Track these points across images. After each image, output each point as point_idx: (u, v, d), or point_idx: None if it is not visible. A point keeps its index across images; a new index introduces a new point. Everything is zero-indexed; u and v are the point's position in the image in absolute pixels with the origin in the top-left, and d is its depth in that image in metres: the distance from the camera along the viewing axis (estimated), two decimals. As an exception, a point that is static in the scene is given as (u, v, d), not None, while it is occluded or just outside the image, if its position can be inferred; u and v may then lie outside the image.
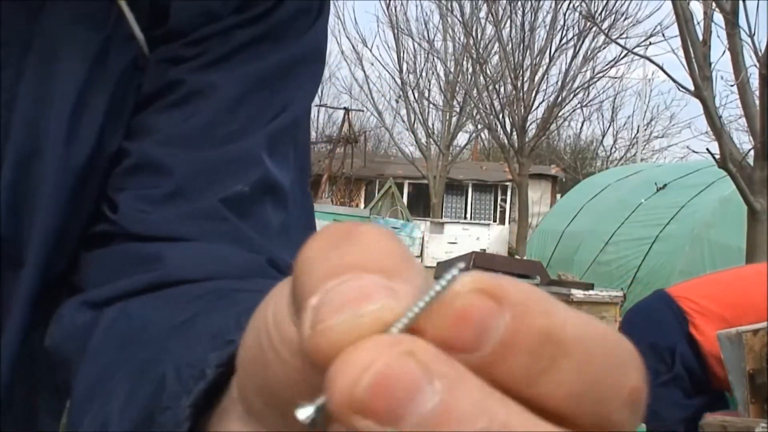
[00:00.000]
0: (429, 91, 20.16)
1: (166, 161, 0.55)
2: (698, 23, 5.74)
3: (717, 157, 5.45)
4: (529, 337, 0.20)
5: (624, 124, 34.86)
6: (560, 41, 16.62)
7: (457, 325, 0.20)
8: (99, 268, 0.55)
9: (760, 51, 5.50)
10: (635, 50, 9.93)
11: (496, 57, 17.40)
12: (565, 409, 0.21)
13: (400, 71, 19.85)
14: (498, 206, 22.23)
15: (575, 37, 16.56)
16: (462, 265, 0.22)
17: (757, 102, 5.56)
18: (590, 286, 5.80)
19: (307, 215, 0.62)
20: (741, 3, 5.59)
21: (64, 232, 0.56)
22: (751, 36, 5.65)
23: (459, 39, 18.29)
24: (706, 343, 2.81)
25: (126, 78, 0.56)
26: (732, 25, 5.57)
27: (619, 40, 12.93)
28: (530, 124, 16.41)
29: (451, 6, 17.72)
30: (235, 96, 0.57)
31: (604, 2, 15.51)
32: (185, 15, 0.57)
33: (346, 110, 20.93)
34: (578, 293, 5.36)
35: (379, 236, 0.22)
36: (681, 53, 5.67)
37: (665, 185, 10.89)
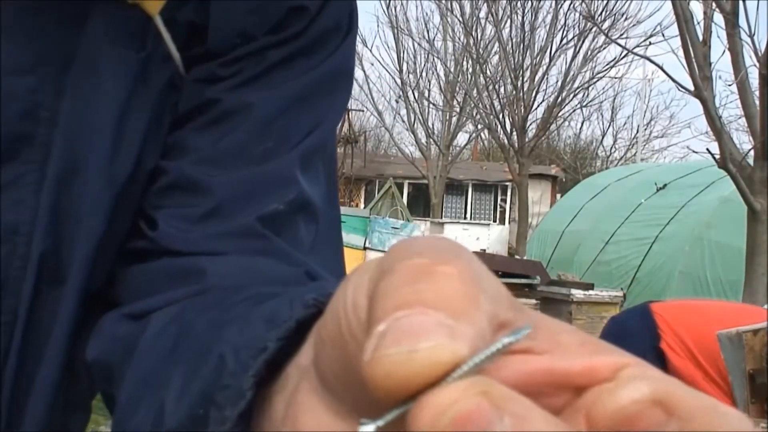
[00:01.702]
0: (429, 91, 20.18)
1: (204, 181, 0.56)
2: (698, 23, 5.75)
3: (717, 157, 5.45)
4: None
5: (624, 124, 34.92)
6: (560, 41, 16.62)
7: (622, 425, 0.22)
8: (138, 282, 0.56)
9: (760, 51, 5.50)
10: (635, 50, 9.92)
11: (496, 57, 17.40)
12: None
13: (400, 71, 19.84)
14: (498, 206, 22.23)
15: (575, 38, 16.56)
16: (529, 329, 0.24)
17: (757, 102, 5.56)
18: (590, 286, 5.81)
19: (334, 229, 0.63)
20: (741, 3, 5.59)
21: (104, 248, 0.56)
22: (751, 36, 5.65)
23: (459, 39, 18.30)
24: (675, 360, 2.98)
25: (163, 97, 0.58)
26: (732, 25, 5.57)
27: (619, 41, 12.93)
28: (530, 124, 16.40)
29: (451, 6, 17.73)
30: (270, 114, 0.58)
31: (605, 2, 15.52)
32: (222, 36, 0.58)
33: (346, 110, 20.90)
34: (578, 293, 5.36)
35: (458, 276, 0.24)
36: (681, 53, 5.67)
37: (665, 185, 10.90)
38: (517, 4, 16.48)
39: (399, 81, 19.93)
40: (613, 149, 26.28)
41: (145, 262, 0.56)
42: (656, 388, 0.23)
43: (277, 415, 0.32)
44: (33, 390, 0.56)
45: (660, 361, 2.96)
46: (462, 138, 21.18)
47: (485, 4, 16.56)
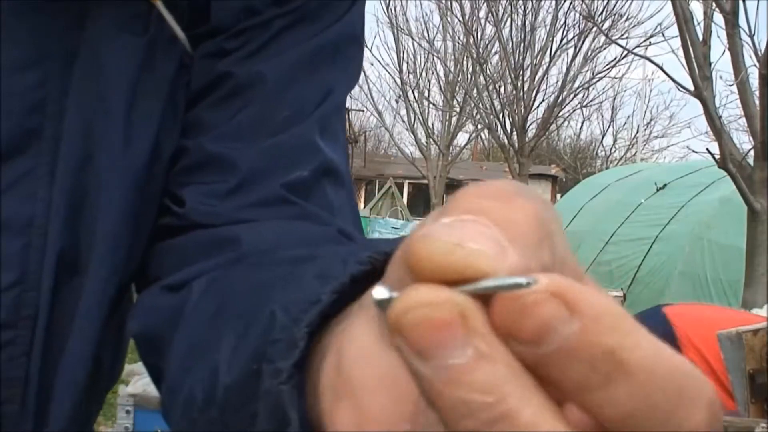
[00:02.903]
0: (429, 91, 20.17)
1: (227, 155, 0.56)
2: (698, 24, 5.75)
3: (717, 157, 5.45)
4: (592, 351, 0.22)
5: (624, 124, 34.86)
6: (561, 41, 16.61)
7: (522, 318, 0.22)
8: (172, 256, 0.56)
9: (760, 51, 5.50)
10: (635, 50, 9.93)
11: (496, 57, 17.40)
12: (616, 425, 0.22)
13: (400, 71, 19.83)
14: (498, 206, 22.17)
15: (576, 38, 16.56)
16: (532, 279, 0.23)
17: (757, 102, 5.56)
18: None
19: (350, 190, 0.63)
20: (741, 3, 5.59)
21: (130, 235, 0.57)
22: (751, 36, 5.65)
23: (459, 38, 18.29)
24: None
25: (175, 78, 0.58)
26: (732, 25, 5.57)
27: (619, 41, 12.93)
28: (530, 124, 16.40)
29: (451, 5, 17.72)
30: (283, 82, 0.58)
31: (605, 3, 15.51)
32: (225, 13, 0.58)
33: (346, 110, 20.89)
34: (578, 293, 5.36)
35: (533, 212, 0.24)
36: (681, 53, 5.67)
37: (665, 185, 10.89)
38: (517, 3, 16.47)
39: (399, 81, 19.93)
40: (613, 149, 26.29)
41: (177, 236, 0.56)
42: (554, 280, 0.22)
43: (328, 353, 0.32)
44: (58, 384, 0.56)
45: None
46: (462, 138, 21.20)
47: (485, 4, 16.55)
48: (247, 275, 0.46)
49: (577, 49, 16.64)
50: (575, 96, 17.23)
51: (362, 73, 0.68)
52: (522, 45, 16.33)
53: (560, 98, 16.41)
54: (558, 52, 16.66)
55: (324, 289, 0.34)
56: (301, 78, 0.59)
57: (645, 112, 24.21)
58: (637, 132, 24.09)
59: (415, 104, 19.73)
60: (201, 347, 0.43)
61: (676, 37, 5.71)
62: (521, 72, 16.20)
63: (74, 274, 0.56)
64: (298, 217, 0.55)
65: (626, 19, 16.62)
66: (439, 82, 19.77)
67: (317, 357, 0.33)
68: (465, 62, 18.17)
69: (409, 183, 21.85)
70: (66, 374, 0.56)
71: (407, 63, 19.83)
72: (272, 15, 0.59)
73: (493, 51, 17.47)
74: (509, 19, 16.58)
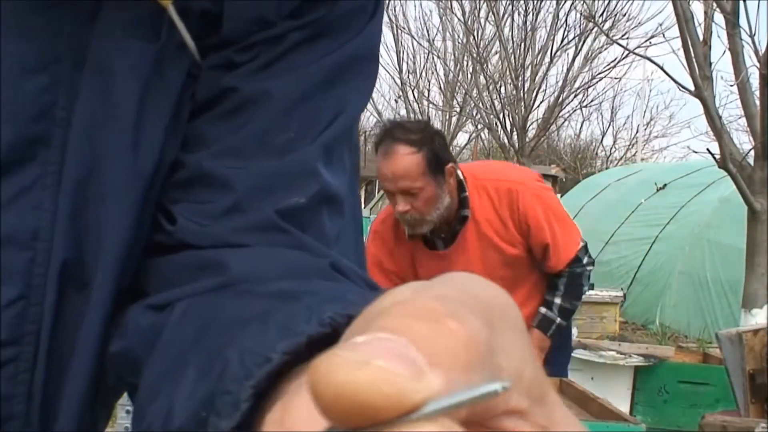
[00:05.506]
0: (429, 91, 20.16)
1: (223, 175, 0.55)
2: (699, 24, 5.75)
3: (717, 157, 5.45)
4: None
5: (624, 124, 34.87)
6: (561, 41, 16.61)
7: None
8: (160, 274, 0.55)
9: (760, 51, 5.49)
10: (636, 51, 9.93)
11: (497, 57, 17.39)
12: None
13: (400, 71, 19.82)
14: (498, 206, 22.19)
15: (576, 38, 16.54)
16: (507, 384, 0.21)
17: (757, 102, 5.55)
18: (590, 286, 5.80)
19: (355, 216, 0.62)
20: (741, 3, 5.58)
21: (132, 245, 0.55)
22: (751, 36, 5.64)
23: (459, 38, 18.29)
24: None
25: (182, 87, 0.56)
26: (732, 25, 5.57)
27: (620, 41, 12.92)
28: (531, 125, 16.38)
29: (451, 5, 17.70)
30: (290, 101, 0.56)
31: (605, 3, 15.51)
32: (238, 24, 0.56)
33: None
34: (578, 293, 5.34)
35: (464, 338, 0.21)
36: (681, 53, 5.67)
37: (665, 185, 10.89)
38: (518, 3, 16.46)
39: (399, 81, 19.92)
40: (613, 149, 26.27)
41: (166, 254, 0.55)
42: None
43: (274, 408, 0.31)
44: (63, 399, 0.54)
45: None
46: (462, 138, 21.18)
47: (485, 4, 16.54)
48: (228, 305, 0.46)
49: (578, 49, 16.63)
50: (575, 96, 17.22)
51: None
52: (522, 45, 16.32)
53: (560, 98, 16.40)
54: (558, 52, 16.65)
55: (279, 346, 0.33)
56: (312, 97, 0.57)
57: (645, 112, 24.21)
58: (637, 132, 24.09)
59: (415, 104, 19.72)
60: (170, 374, 0.42)
61: (677, 37, 5.70)
62: (521, 72, 16.19)
63: (78, 286, 0.54)
64: (289, 246, 0.53)
65: (627, 20, 16.62)
66: (439, 82, 19.77)
67: (265, 411, 0.32)
68: (465, 62, 18.17)
69: (409, 183, 21.83)
70: (70, 389, 0.54)
71: (407, 63, 19.84)
72: (286, 28, 0.56)
73: (493, 51, 17.46)
74: (509, 19, 16.57)
